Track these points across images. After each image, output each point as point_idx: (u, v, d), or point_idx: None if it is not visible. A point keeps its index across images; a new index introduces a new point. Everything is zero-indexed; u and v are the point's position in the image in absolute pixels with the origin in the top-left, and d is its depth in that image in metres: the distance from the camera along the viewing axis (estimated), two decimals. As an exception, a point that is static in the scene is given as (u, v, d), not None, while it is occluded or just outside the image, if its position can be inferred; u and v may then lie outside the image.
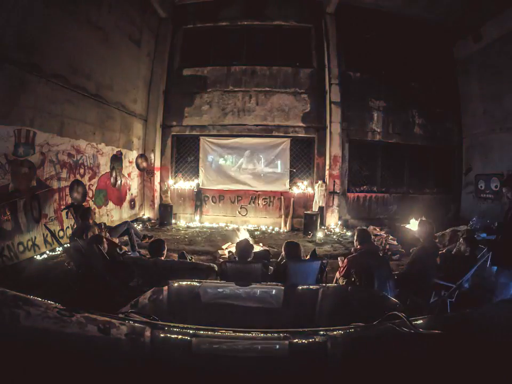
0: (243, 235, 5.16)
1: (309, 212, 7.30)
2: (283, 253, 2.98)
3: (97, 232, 3.76)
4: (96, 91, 6.16)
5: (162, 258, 3.00)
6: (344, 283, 2.75)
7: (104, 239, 3.45)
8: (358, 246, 3.02)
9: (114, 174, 7.00)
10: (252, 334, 0.93)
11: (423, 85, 7.81)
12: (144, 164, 7.95)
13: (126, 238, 5.25)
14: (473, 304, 2.80)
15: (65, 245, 4.13)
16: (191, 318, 1.11)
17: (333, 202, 7.66)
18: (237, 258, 2.98)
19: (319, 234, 6.93)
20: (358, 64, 7.90)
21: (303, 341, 0.93)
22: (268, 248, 4.96)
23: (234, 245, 4.99)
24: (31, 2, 4.48)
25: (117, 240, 4.74)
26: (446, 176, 8.30)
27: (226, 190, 8.16)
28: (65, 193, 5.43)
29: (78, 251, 3.29)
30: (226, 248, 5.02)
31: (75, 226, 4.93)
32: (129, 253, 4.67)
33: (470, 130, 7.72)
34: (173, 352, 0.80)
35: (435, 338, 0.82)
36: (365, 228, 4.24)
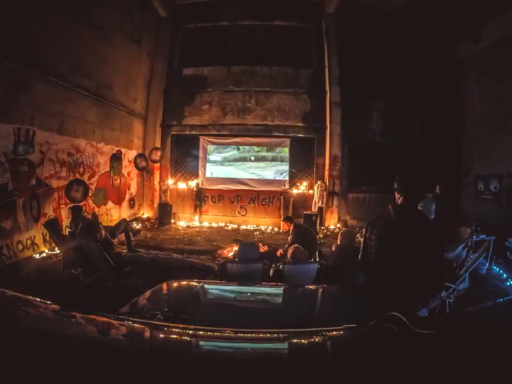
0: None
1: (308, 212, 7.30)
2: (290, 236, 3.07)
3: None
4: (96, 90, 6.15)
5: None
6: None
7: (101, 226, 3.51)
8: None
9: (113, 173, 6.99)
10: (252, 334, 0.92)
11: (423, 86, 7.80)
12: (143, 164, 7.94)
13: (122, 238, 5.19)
14: (473, 304, 2.80)
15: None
16: (190, 318, 1.10)
17: (332, 203, 7.66)
18: (237, 259, 2.98)
19: (318, 235, 6.92)
20: (358, 64, 7.90)
21: (303, 341, 0.93)
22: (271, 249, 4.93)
23: (235, 248, 5.00)
24: (32, 1, 4.47)
25: (115, 240, 4.72)
26: (446, 176, 8.29)
27: (226, 190, 8.16)
28: (65, 192, 5.41)
29: (79, 250, 3.29)
30: (225, 248, 5.02)
31: (73, 225, 4.90)
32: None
33: (470, 131, 7.72)
34: (173, 352, 0.80)
35: (434, 339, 0.82)
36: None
